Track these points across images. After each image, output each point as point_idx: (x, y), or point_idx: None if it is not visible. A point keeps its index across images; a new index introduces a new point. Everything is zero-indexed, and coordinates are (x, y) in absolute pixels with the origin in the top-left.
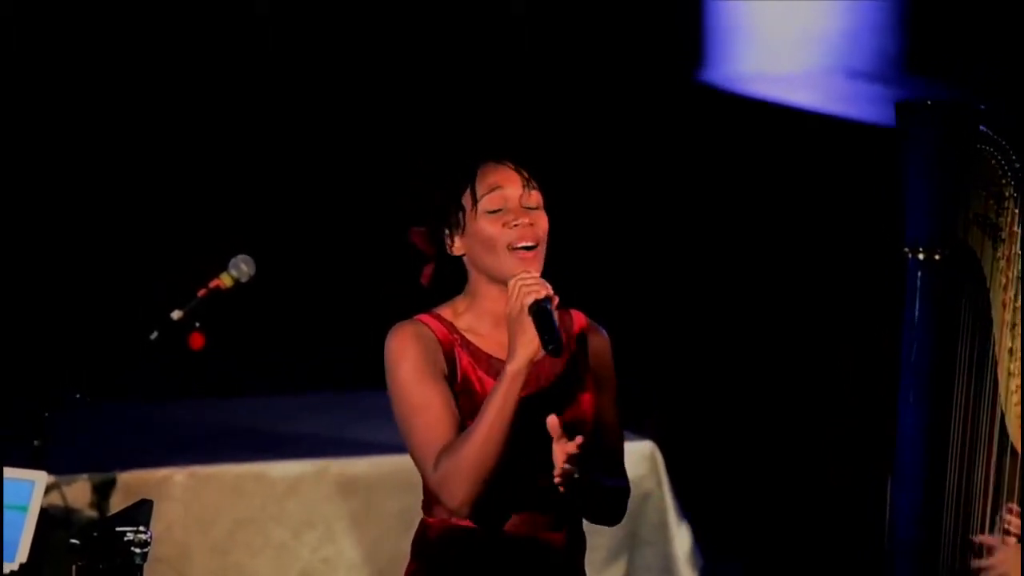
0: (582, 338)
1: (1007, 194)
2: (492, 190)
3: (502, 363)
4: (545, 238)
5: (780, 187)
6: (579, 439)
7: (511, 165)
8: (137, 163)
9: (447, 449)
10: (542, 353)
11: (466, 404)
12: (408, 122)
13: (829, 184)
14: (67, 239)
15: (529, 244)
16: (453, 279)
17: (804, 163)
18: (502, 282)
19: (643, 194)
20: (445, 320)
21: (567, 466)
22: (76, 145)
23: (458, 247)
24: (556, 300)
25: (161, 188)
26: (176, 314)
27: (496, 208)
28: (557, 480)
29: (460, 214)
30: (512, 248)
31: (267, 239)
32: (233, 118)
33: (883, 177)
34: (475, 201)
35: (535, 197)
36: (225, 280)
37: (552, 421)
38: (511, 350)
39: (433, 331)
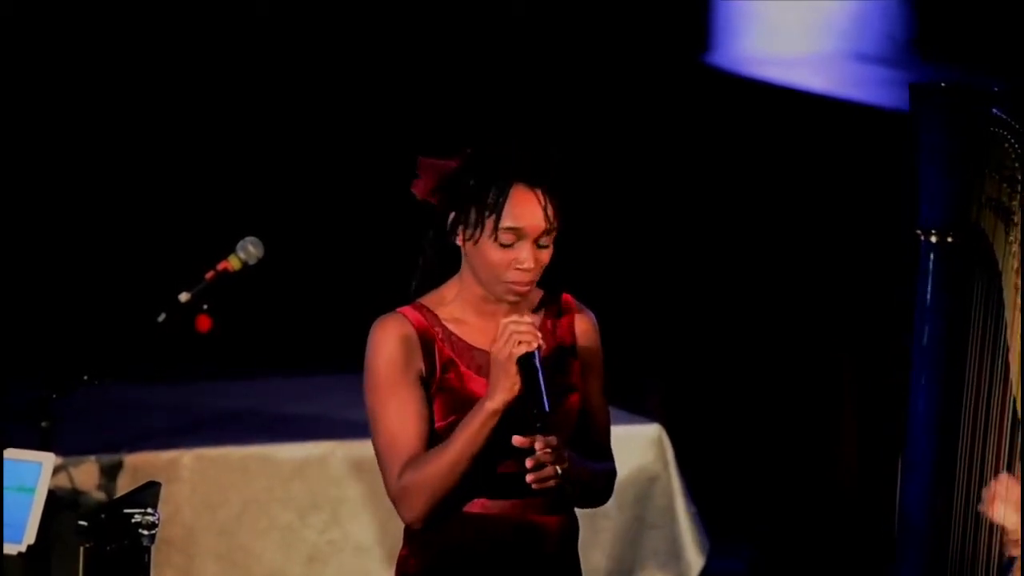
0: (570, 320)
1: (1020, 177)
2: (513, 228)
3: (485, 355)
4: (544, 265)
5: (787, 171)
6: (553, 439)
7: (541, 195)
8: (145, 144)
9: (412, 463)
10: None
11: (444, 399)
12: (412, 105)
13: (837, 168)
14: (76, 220)
15: (525, 285)
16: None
17: (812, 147)
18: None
19: (649, 177)
20: (428, 311)
21: (546, 460)
22: (85, 127)
23: (459, 240)
24: (544, 348)
25: (170, 169)
26: (184, 296)
27: (510, 243)
28: (530, 479)
29: (479, 228)
30: (508, 281)
31: (275, 221)
32: (242, 100)
33: (892, 161)
34: (496, 228)
35: (551, 232)
36: (233, 262)
37: (518, 440)
38: (491, 388)
39: (414, 325)
